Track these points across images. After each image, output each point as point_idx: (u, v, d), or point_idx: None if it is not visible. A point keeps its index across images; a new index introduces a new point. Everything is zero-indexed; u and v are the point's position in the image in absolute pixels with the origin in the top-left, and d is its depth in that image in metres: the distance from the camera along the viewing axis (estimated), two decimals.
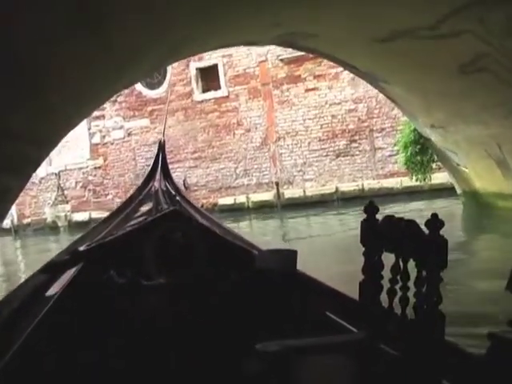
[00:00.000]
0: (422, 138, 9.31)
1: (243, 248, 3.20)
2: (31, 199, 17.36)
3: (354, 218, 9.73)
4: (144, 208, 4.29)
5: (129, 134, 16.49)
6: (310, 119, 14.46)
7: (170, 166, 5.50)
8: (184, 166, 15.47)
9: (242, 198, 15.08)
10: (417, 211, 10.00)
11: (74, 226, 16.38)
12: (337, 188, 14.13)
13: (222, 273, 2.99)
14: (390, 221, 2.04)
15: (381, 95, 10.97)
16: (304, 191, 14.48)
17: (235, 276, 2.99)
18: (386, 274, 2.02)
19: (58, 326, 2.54)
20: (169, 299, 2.87)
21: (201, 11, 3.92)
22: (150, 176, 4.97)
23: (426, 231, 1.83)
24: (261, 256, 3.08)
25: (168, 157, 5.62)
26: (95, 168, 16.94)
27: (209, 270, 2.99)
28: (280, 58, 14.46)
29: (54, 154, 12.77)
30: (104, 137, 16.80)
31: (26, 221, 17.58)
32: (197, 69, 15.40)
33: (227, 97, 15.24)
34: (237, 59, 14.95)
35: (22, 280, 3.49)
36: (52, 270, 2.96)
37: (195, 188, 15.20)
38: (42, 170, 16.43)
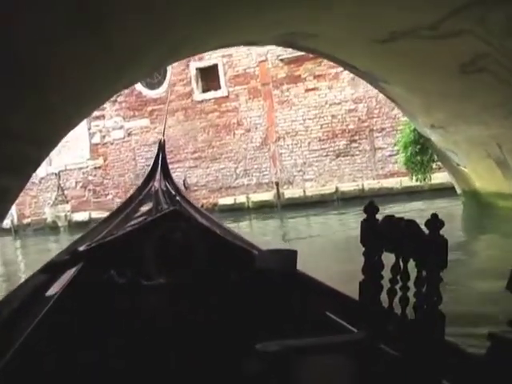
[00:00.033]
0: (422, 138, 9.31)
1: (243, 248, 3.20)
2: (31, 199, 17.36)
3: (353, 218, 9.73)
4: (144, 208, 4.29)
5: (129, 134, 16.49)
6: (310, 119, 14.46)
7: (170, 166, 5.51)
8: (184, 165, 15.48)
9: (242, 198, 15.08)
10: (417, 211, 10.00)
11: (74, 225, 16.39)
12: (337, 188, 14.14)
13: (222, 273, 2.99)
14: (390, 221, 2.04)
15: (381, 95, 10.97)
16: (304, 191, 14.48)
17: (235, 276, 2.99)
18: (386, 273, 2.02)
19: (58, 326, 2.54)
20: (169, 299, 2.87)
21: (201, 11, 3.91)
22: (150, 176, 4.97)
23: (426, 231, 1.83)
24: (261, 256, 3.09)
25: (168, 157, 5.62)
26: (95, 168, 16.94)
27: (209, 270, 2.99)
28: (280, 57, 14.46)
29: (53, 153, 12.77)
30: (104, 137, 16.81)
31: (26, 221, 17.58)
32: (197, 69, 15.40)
33: (227, 97, 15.24)
34: (237, 59, 14.95)
35: (22, 280, 3.49)
36: (52, 269, 2.96)
37: (195, 188, 15.20)
38: (41, 170, 16.44)
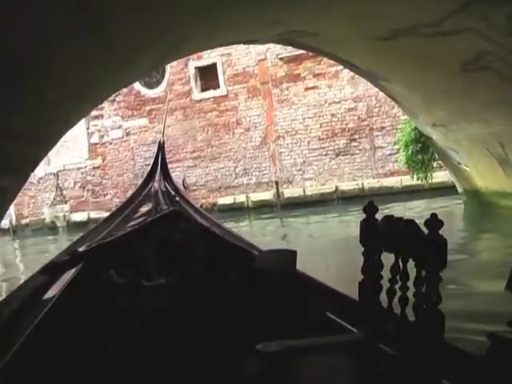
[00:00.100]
0: (423, 136, 9.30)
1: (243, 248, 3.20)
2: (30, 199, 17.35)
3: (353, 218, 9.73)
4: (144, 208, 4.30)
5: (127, 134, 16.48)
6: (309, 118, 14.46)
7: (169, 166, 5.51)
8: (183, 165, 15.47)
9: (241, 198, 15.07)
10: (417, 210, 10.01)
11: (72, 226, 16.38)
12: (337, 187, 14.13)
13: (221, 273, 2.99)
14: (390, 221, 2.04)
15: (381, 94, 10.97)
16: (304, 190, 14.48)
17: (235, 276, 2.99)
18: (386, 273, 2.02)
19: (58, 327, 2.54)
20: (169, 299, 2.87)
21: (201, 11, 3.91)
22: (150, 176, 4.98)
23: (426, 231, 1.83)
24: (260, 256, 3.09)
25: (167, 156, 5.63)
26: (94, 168, 16.92)
27: (208, 271, 2.99)
28: (279, 56, 14.46)
29: (52, 153, 12.76)
30: (102, 136, 16.79)
31: (24, 221, 17.56)
32: (196, 68, 15.39)
33: (226, 96, 15.24)
34: (236, 58, 14.95)
35: (21, 281, 3.49)
36: (52, 270, 2.96)
37: (194, 188, 15.20)
38: (40, 170, 16.43)
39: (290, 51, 13.50)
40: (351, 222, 9.83)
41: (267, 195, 14.81)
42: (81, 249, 3.06)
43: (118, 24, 3.20)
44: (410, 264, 1.90)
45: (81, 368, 2.47)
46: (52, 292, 2.72)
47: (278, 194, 14.60)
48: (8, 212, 13.75)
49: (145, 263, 3.00)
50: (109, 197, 16.64)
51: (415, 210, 10.22)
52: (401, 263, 1.95)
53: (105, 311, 2.76)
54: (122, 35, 3.45)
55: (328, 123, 14.31)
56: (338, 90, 14.13)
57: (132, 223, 3.62)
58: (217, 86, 15.32)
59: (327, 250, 8.10)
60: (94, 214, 16.00)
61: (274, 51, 14.28)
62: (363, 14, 5.08)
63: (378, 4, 4.85)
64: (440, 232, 1.79)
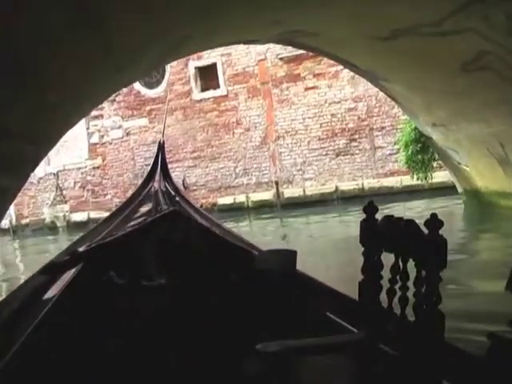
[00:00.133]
0: (423, 136, 9.30)
1: (243, 248, 3.20)
2: (30, 199, 17.34)
3: (353, 218, 9.73)
4: (144, 209, 4.30)
5: (127, 134, 16.47)
6: (309, 118, 14.45)
7: (169, 166, 5.52)
8: (183, 165, 15.47)
9: (241, 198, 15.07)
10: (417, 210, 10.01)
11: (72, 226, 16.37)
12: (337, 187, 14.13)
13: (221, 273, 2.99)
14: (390, 221, 2.04)
15: (381, 94, 10.96)
16: (304, 190, 14.48)
17: (235, 276, 2.99)
18: (386, 273, 2.02)
19: (58, 327, 2.54)
20: (169, 299, 2.87)
21: (201, 11, 3.91)
22: (150, 176, 4.99)
23: (426, 231, 1.83)
24: (260, 256, 3.09)
25: (167, 156, 5.63)
26: (94, 168, 16.92)
27: (208, 271, 2.99)
28: (279, 56, 14.45)
29: (52, 153, 12.75)
30: (102, 136, 16.78)
31: (24, 221, 17.55)
32: (196, 68, 15.39)
33: (226, 96, 15.23)
34: (236, 58, 14.94)
35: (21, 281, 3.50)
36: (52, 270, 2.96)
37: (194, 188, 15.20)
38: (40, 170, 16.42)
39: (290, 51, 13.50)
40: (351, 221, 9.83)
41: (267, 195, 14.81)
42: (81, 249, 3.06)
43: (117, 24, 3.20)
44: (410, 264, 1.90)
45: (81, 368, 2.47)
46: (52, 292, 2.72)
47: (278, 194, 14.60)
48: (8, 212, 13.74)
49: (145, 263, 3.00)
50: (109, 197, 16.64)
51: (415, 210, 10.21)
52: (401, 263, 1.95)
53: (105, 311, 2.76)
54: (122, 35, 3.45)
55: (328, 123, 14.31)
56: (338, 90, 14.13)
57: (132, 223, 3.63)
58: (217, 86, 15.32)
59: (327, 250, 8.10)
60: (93, 214, 15.99)
61: (274, 51, 14.28)
62: (363, 14, 5.07)
63: (378, 4, 4.85)
64: (440, 232, 1.78)
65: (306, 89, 14.40)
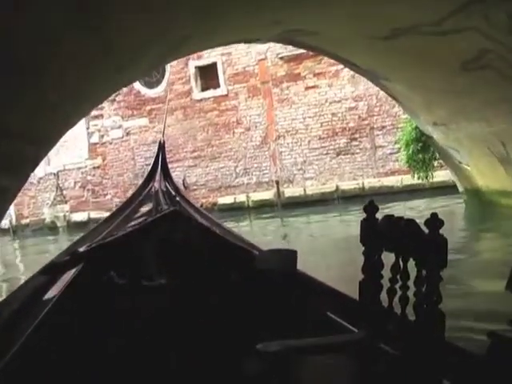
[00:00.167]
0: (424, 135, 9.29)
1: (243, 248, 3.20)
2: (30, 199, 17.34)
3: (354, 217, 9.73)
4: (144, 208, 4.30)
5: (127, 134, 16.47)
6: (310, 117, 14.45)
7: (169, 166, 5.52)
8: (183, 165, 15.47)
9: (241, 197, 15.07)
10: (418, 210, 10.00)
11: (72, 226, 16.37)
12: (337, 186, 14.13)
13: (222, 273, 2.99)
14: (390, 220, 2.04)
15: (381, 93, 10.95)
16: (304, 190, 14.47)
17: (235, 276, 2.99)
18: (386, 273, 2.02)
19: (58, 327, 2.54)
20: (169, 299, 2.88)
21: (201, 10, 3.91)
22: (150, 176, 4.99)
23: (426, 230, 1.83)
24: (261, 256, 3.09)
25: (167, 156, 5.63)
26: (94, 168, 16.92)
27: (209, 271, 2.99)
28: (279, 56, 14.45)
29: (52, 153, 12.74)
30: (102, 136, 16.78)
31: (24, 221, 17.55)
32: (196, 67, 15.38)
33: (226, 95, 15.23)
34: (236, 57, 14.94)
35: (22, 281, 3.50)
36: (52, 270, 2.96)
37: (195, 187, 15.20)
38: (40, 170, 16.42)
39: (290, 50, 13.50)
40: (352, 221, 9.82)
41: (268, 195, 14.81)
42: (81, 249, 3.06)
43: (117, 24, 3.20)
44: (411, 263, 1.90)
45: (81, 368, 2.47)
46: (52, 292, 2.72)
47: (278, 194, 14.60)
48: (8, 212, 13.74)
49: (145, 263, 3.00)
50: (109, 197, 16.64)
51: (416, 210, 10.21)
52: (401, 262, 1.95)
53: (105, 311, 2.76)
54: (122, 35, 3.45)
55: (328, 122, 14.30)
56: (338, 90, 14.12)
57: (132, 223, 3.63)
58: (217, 86, 15.31)
59: (328, 250, 8.10)
60: (94, 214, 15.99)
61: (275, 50, 14.28)
62: (363, 14, 5.07)
63: (378, 4, 4.85)
64: (440, 231, 1.78)
65: (307, 88, 14.39)
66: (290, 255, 2.98)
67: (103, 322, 2.71)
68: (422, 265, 1.83)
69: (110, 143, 16.71)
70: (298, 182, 14.67)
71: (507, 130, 6.72)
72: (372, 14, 5.08)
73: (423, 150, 9.77)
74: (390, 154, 13.52)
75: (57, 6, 2.56)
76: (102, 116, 16.48)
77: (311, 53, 11.91)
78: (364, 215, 2.14)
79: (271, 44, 12.34)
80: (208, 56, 14.83)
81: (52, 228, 16.93)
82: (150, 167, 5.33)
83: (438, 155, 9.63)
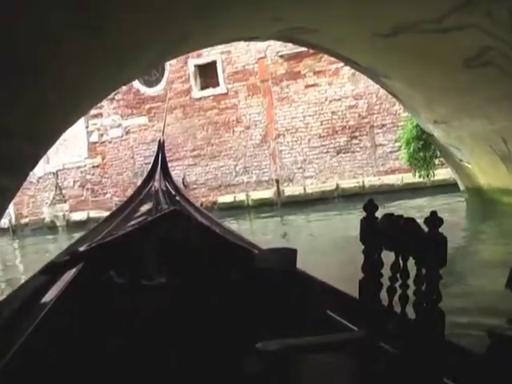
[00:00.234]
0: (425, 133, 9.28)
1: (243, 247, 3.21)
2: (29, 199, 17.33)
3: (354, 216, 9.73)
4: (144, 208, 4.30)
5: (127, 133, 16.46)
6: (309, 116, 14.44)
7: (169, 165, 5.51)
8: (183, 164, 15.46)
9: (241, 196, 15.07)
10: (418, 208, 9.99)
11: (72, 225, 16.36)
12: (337, 185, 14.12)
13: (222, 272, 2.99)
14: (390, 219, 2.04)
15: (381, 91, 10.96)
16: (304, 188, 14.47)
17: (235, 275, 3.00)
18: (386, 272, 2.02)
19: (58, 327, 2.54)
20: (169, 299, 2.88)
21: (201, 9, 3.91)
22: (150, 176, 4.98)
23: (426, 229, 1.83)
24: (261, 255, 3.09)
25: (167, 155, 5.62)
26: (93, 167, 16.91)
27: (209, 270, 2.99)
28: (279, 54, 14.43)
29: (51, 153, 12.76)
30: (102, 135, 16.76)
31: (24, 220, 17.54)
32: (195, 66, 15.36)
33: (226, 94, 15.22)
34: (236, 56, 14.92)
35: (21, 281, 3.50)
36: (52, 270, 2.96)
37: (194, 186, 15.20)
38: (39, 170, 16.40)
39: (290, 49, 13.49)
40: (352, 220, 9.81)
41: (267, 193, 14.80)
42: (81, 249, 3.06)
43: (117, 24, 3.20)
44: (410, 262, 1.90)
45: (81, 368, 2.48)
46: (52, 292, 2.72)
47: (278, 193, 14.59)
48: (7, 211, 13.74)
49: (145, 262, 3.00)
50: (108, 196, 16.63)
51: (417, 208, 10.20)
52: (401, 261, 1.95)
53: (105, 311, 2.76)
54: (122, 34, 3.45)
55: (328, 121, 14.29)
56: (338, 88, 14.11)
57: (132, 223, 3.63)
58: (216, 84, 15.30)
59: (327, 249, 8.10)
60: (93, 213, 16.00)
61: (274, 49, 14.26)
62: (364, 11, 5.07)
63: (379, 1, 4.85)
64: (441, 230, 1.78)
65: (307, 86, 14.38)
66: (290, 254, 2.98)
67: (103, 322, 2.72)
68: (422, 263, 1.83)
69: (110, 142, 16.70)
70: (298, 180, 14.66)
71: (509, 128, 6.70)
72: (372, 12, 5.07)
73: (424, 148, 9.76)
74: (391, 152, 13.52)
75: (57, 6, 2.56)
76: (101, 115, 16.47)
77: (311, 51, 11.90)
78: (364, 214, 2.14)
79: (271, 42, 12.33)
80: (207, 54, 14.82)
81: (51, 227, 16.92)
82: (149, 166, 5.32)
83: (439, 153, 9.62)
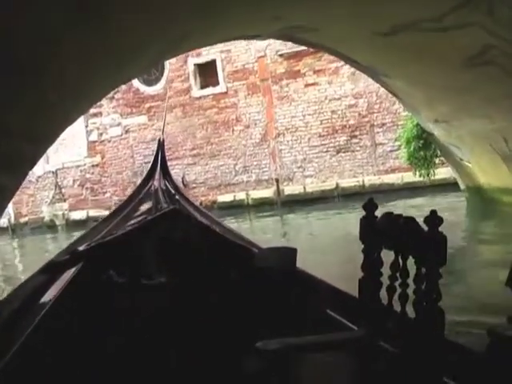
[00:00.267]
0: (425, 132, 9.27)
1: (243, 246, 3.21)
2: (28, 198, 17.32)
3: (354, 215, 9.72)
4: (144, 207, 4.30)
5: (126, 131, 16.45)
6: (309, 115, 14.43)
7: (169, 163, 5.50)
8: (182, 163, 15.45)
9: (241, 195, 15.06)
10: (418, 207, 9.99)
11: (71, 224, 16.35)
12: (337, 184, 14.12)
13: (221, 271, 3.00)
14: (389, 218, 2.04)
15: (381, 90, 10.95)
16: (304, 188, 14.47)
17: (235, 274, 3.00)
18: (386, 271, 2.03)
19: (58, 326, 2.55)
20: (169, 298, 2.88)
21: (201, 8, 3.91)
22: (150, 175, 4.98)
23: (426, 228, 1.83)
24: (260, 254, 3.10)
25: (166, 154, 5.62)
26: (93, 166, 16.90)
27: (209, 269, 3.00)
28: (279, 53, 14.42)
29: (51, 151, 12.77)
30: (101, 134, 16.75)
31: (23, 219, 17.52)
32: (195, 64, 15.35)
33: (226, 93, 15.21)
34: (235, 55, 14.91)
35: (21, 280, 3.50)
36: (52, 270, 2.96)
37: (194, 185, 15.19)
38: (39, 168, 16.39)
39: (289, 48, 13.48)
40: (351, 219, 9.81)
41: (267, 193, 14.80)
42: (81, 248, 3.07)
43: (117, 24, 3.20)
44: (410, 261, 1.90)
45: (81, 367, 2.48)
46: (52, 291, 2.72)
47: (278, 192, 14.59)
48: (7, 210, 13.73)
49: (145, 262, 3.01)
50: (108, 195, 16.63)
51: (417, 207, 10.20)
52: (401, 260, 1.95)
53: (105, 310, 2.76)
54: (122, 35, 3.45)
55: (328, 120, 14.29)
56: (338, 87, 14.10)
57: (132, 222, 3.63)
58: (216, 83, 15.29)
59: (327, 248, 8.10)
60: (93, 213, 15.99)
61: (274, 48, 14.25)
62: (363, 10, 5.07)
63: (379, 0, 4.85)
64: (440, 229, 1.78)
65: (306, 85, 14.37)
66: (290, 253, 2.99)
67: (103, 321, 2.72)
68: (422, 262, 1.83)
69: (109, 141, 16.69)
70: (298, 179, 14.66)
71: (510, 127, 6.69)
72: (372, 11, 5.07)
73: (424, 148, 9.75)
74: (391, 151, 13.51)
75: (57, 6, 2.56)
76: (100, 114, 16.46)
77: (311, 50, 11.89)
78: (364, 213, 2.14)
79: (271, 41, 12.33)
80: (207, 53, 14.80)
81: (51, 226, 16.90)
82: (149, 165, 5.32)
83: (439, 152, 9.61)
